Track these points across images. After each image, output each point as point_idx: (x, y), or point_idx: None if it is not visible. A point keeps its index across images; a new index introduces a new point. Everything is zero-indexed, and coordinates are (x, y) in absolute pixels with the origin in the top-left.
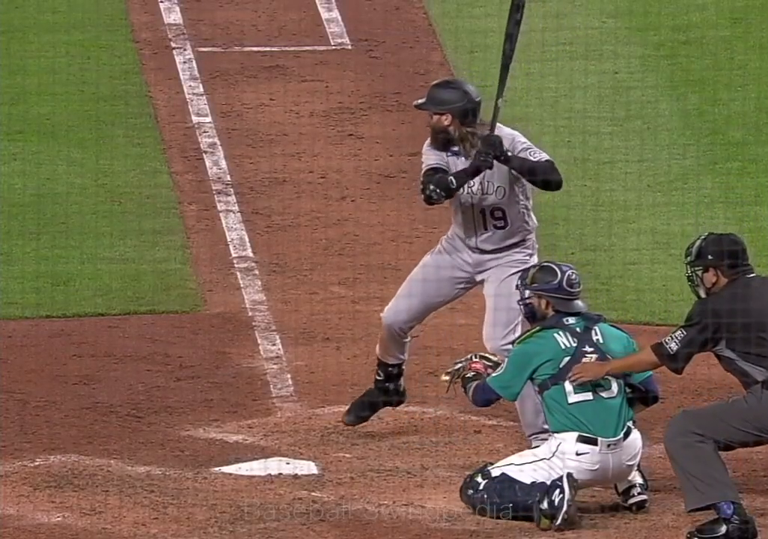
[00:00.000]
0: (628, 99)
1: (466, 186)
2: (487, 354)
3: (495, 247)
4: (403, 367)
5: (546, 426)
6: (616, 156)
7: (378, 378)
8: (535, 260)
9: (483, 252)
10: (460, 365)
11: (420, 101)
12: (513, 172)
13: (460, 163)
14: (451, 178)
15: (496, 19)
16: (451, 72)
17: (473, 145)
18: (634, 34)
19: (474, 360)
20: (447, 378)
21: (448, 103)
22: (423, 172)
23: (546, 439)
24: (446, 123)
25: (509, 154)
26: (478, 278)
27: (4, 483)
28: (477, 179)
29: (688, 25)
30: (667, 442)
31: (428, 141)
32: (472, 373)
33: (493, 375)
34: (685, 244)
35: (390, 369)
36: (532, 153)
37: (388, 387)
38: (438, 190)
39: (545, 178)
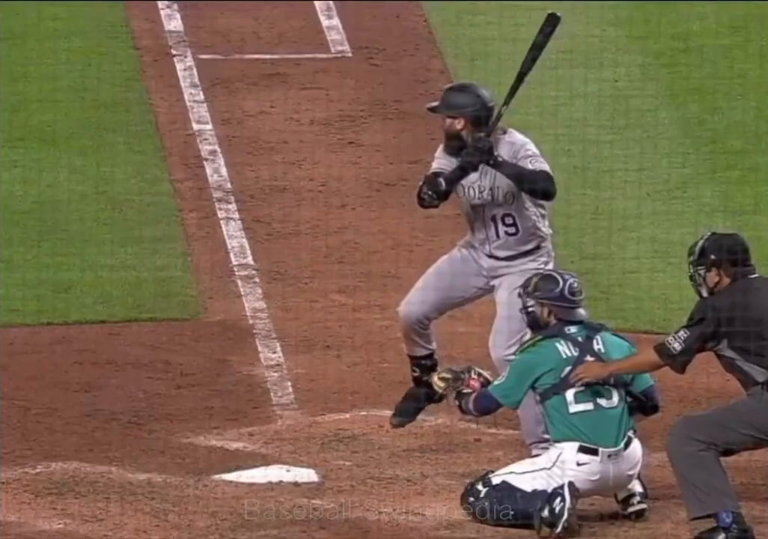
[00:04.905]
0: (627, 107)
1: (477, 192)
2: (484, 373)
3: (508, 253)
4: (435, 357)
5: (546, 436)
6: (616, 164)
7: (414, 374)
8: (550, 267)
9: (497, 258)
10: (458, 377)
11: (433, 104)
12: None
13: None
14: (441, 179)
15: (497, 27)
16: (451, 80)
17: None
18: (634, 42)
19: (473, 376)
20: (442, 384)
21: (461, 107)
22: (425, 175)
23: (546, 448)
24: (459, 127)
25: (500, 159)
26: (492, 283)
27: (5, 491)
28: (486, 185)
29: (688, 33)
30: (669, 450)
31: (441, 146)
32: (469, 390)
33: (495, 383)
34: (684, 252)
35: (423, 361)
36: (532, 161)
37: (426, 381)
38: (429, 192)
39: (532, 186)
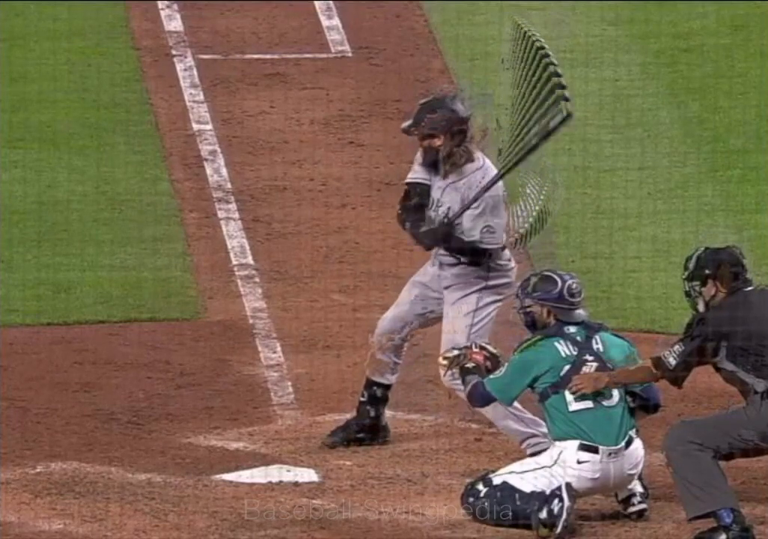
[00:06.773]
0: (628, 106)
1: (435, 205)
2: (487, 345)
3: (452, 261)
4: (389, 394)
5: (531, 430)
6: (617, 164)
7: (362, 399)
8: (503, 282)
9: (441, 264)
10: (459, 352)
11: (407, 124)
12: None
13: (436, 181)
14: (415, 232)
15: (497, 26)
16: (451, 79)
17: (457, 164)
18: (634, 41)
19: (474, 350)
20: (445, 362)
21: (437, 126)
22: (406, 183)
23: (539, 443)
24: (438, 143)
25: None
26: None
27: (5, 491)
28: (445, 201)
29: (688, 32)
30: (665, 451)
31: (419, 153)
32: (472, 364)
33: (492, 377)
34: (685, 251)
35: (374, 388)
36: (483, 232)
37: (368, 412)
38: (409, 228)
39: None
